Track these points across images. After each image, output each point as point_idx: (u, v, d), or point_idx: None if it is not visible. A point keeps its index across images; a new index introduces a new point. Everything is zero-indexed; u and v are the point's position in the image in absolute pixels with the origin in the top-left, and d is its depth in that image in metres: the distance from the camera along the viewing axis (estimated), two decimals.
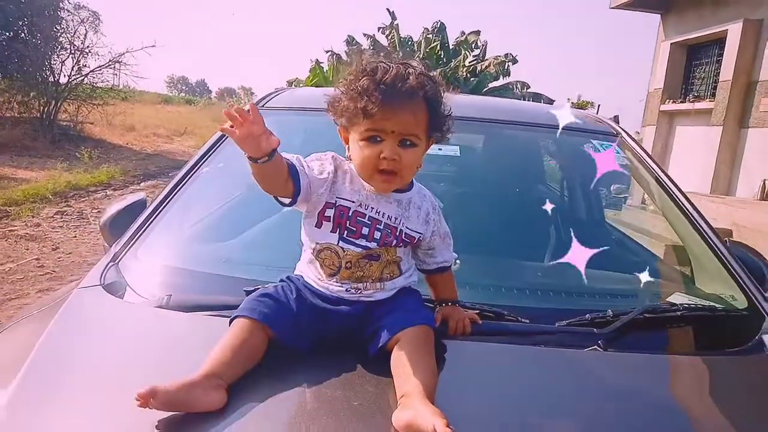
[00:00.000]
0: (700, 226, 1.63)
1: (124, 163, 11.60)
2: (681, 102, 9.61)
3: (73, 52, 13.74)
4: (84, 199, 8.31)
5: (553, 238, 1.78)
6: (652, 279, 1.61)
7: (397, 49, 16.65)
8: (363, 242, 1.07)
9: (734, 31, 8.09)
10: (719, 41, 8.66)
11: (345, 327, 1.05)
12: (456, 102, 1.17)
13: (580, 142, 1.94)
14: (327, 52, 16.77)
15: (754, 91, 8.00)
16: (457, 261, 1.35)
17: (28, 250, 5.55)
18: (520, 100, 13.65)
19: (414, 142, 1.05)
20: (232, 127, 0.96)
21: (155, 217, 1.52)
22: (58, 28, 13.75)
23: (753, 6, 8.01)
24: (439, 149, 1.83)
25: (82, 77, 13.87)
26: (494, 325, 1.15)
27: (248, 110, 0.96)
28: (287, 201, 1.07)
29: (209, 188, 1.72)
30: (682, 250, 1.71)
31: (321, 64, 16.96)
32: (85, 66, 13.99)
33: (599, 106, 17.65)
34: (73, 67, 13.71)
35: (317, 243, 1.08)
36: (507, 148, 2.01)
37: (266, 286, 1.11)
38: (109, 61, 14.22)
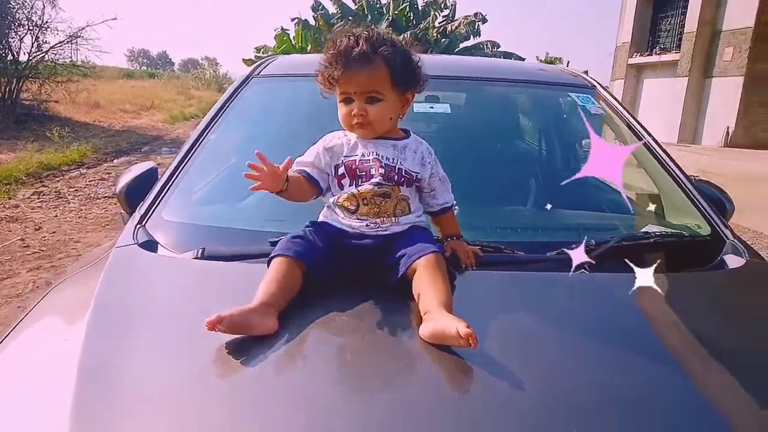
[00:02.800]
0: (670, 168, 1.81)
1: (94, 141, 11.41)
2: (648, 55, 9.84)
3: (31, 28, 13.28)
4: (59, 178, 8.22)
5: (540, 185, 1.95)
6: (627, 215, 1.80)
7: (365, 12, 16.47)
8: (371, 180, 1.24)
9: None
10: None
11: (367, 259, 1.21)
12: (439, 61, 1.33)
13: (559, 95, 2.09)
14: (293, 20, 16.50)
15: (718, 40, 8.24)
16: (456, 207, 1.51)
17: (11, 231, 5.55)
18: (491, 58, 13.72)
19: (378, 97, 1.24)
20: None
21: (173, 182, 1.63)
22: (14, 3, 13.23)
23: None
24: (431, 107, 1.97)
25: (42, 54, 13.45)
26: (495, 256, 1.32)
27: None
28: (317, 197, 1.29)
29: (218, 152, 1.83)
30: (653, 189, 1.89)
31: (287, 31, 16.71)
32: (45, 42, 13.56)
33: (568, 62, 17.82)
34: (33, 44, 13.28)
35: (338, 196, 1.25)
36: (491, 103, 2.15)
37: (295, 231, 1.25)
38: (69, 36, 13.80)
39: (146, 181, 1.79)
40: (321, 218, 1.29)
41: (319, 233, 1.22)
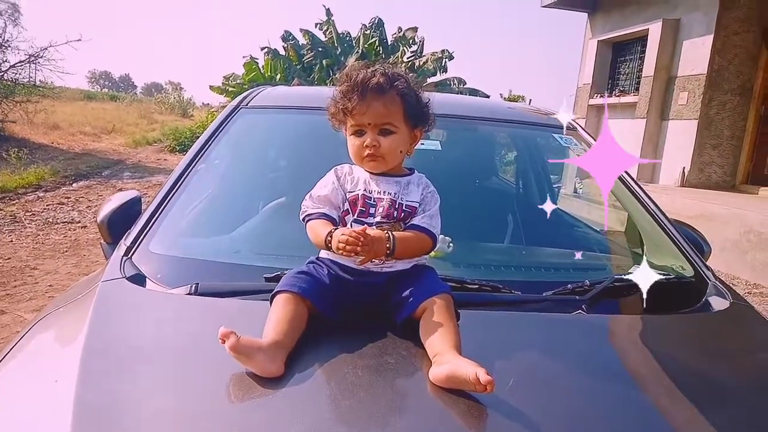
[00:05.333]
0: (651, 209, 1.87)
1: (53, 164, 11.06)
2: (608, 96, 10.22)
3: None
4: (14, 201, 7.90)
5: (527, 224, 1.98)
6: (613, 255, 1.84)
7: (335, 44, 16.67)
8: (371, 219, 1.23)
9: (655, 30, 8.71)
10: (642, 39, 9.29)
11: (371, 297, 1.19)
12: (436, 100, 1.35)
13: (543, 135, 2.15)
14: (263, 49, 16.55)
15: (673, 85, 8.65)
16: (451, 245, 1.51)
17: None
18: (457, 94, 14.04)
19: (391, 129, 1.24)
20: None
21: (161, 212, 1.59)
22: None
23: (671, 7, 8.65)
24: (422, 143, 1.99)
25: (2, 73, 13.06)
26: (493, 296, 1.32)
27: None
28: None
29: (206, 183, 1.80)
30: (635, 229, 1.94)
31: (256, 60, 16.73)
32: (5, 61, 13.19)
33: (530, 100, 18.38)
34: None
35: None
36: (479, 142, 2.19)
37: (299, 267, 1.23)
38: (30, 56, 13.46)
39: (129, 210, 1.74)
40: (323, 254, 1.26)
41: (323, 270, 1.20)
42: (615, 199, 2.09)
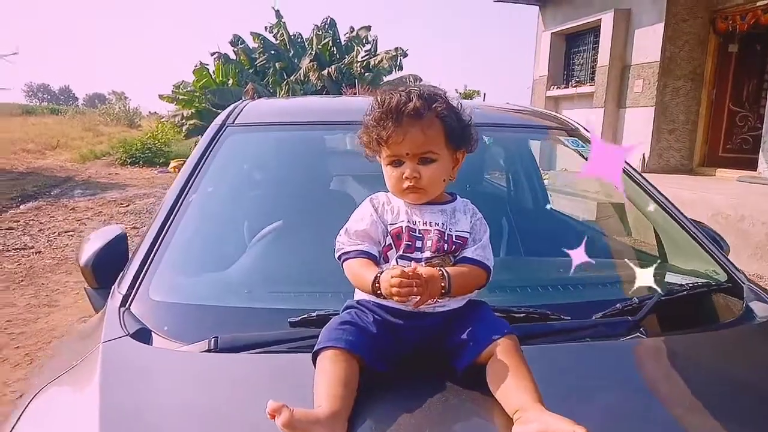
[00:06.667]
0: (670, 210, 1.80)
1: None
2: (565, 87, 10.37)
3: None
4: None
5: (533, 234, 1.89)
6: (640, 261, 1.76)
7: (288, 47, 16.37)
8: (418, 255, 1.09)
9: (607, 21, 8.85)
10: (594, 29, 9.44)
11: (425, 342, 1.06)
12: None
13: (546, 138, 2.06)
14: (213, 54, 16.08)
15: (628, 74, 8.82)
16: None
17: None
18: None
19: (432, 158, 1.12)
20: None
21: (156, 251, 1.41)
22: None
23: None
24: None
25: None
26: (545, 326, 1.20)
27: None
28: None
29: (201, 214, 1.62)
30: (653, 231, 1.87)
31: (206, 66, 16.26)
32: None
33: (485, 94, 18.53)
34: None
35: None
36: (497, 149, 2.09)
37: (339, 314, 1.09)
38: None
39: (115, 249, 1.56)
40: (362, 295, 1.11)
41: (367, 316, 1.06)
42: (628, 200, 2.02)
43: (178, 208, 1.54)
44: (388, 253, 1.11)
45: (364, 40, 16.32)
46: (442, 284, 1.01)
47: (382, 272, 1.01)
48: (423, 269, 1.00)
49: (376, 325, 1.04)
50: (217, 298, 1.35)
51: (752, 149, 7.83)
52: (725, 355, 1.23)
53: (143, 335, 1.17)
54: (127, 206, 9.01)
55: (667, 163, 8.60)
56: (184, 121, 15.79)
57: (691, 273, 1.61)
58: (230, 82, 15.69)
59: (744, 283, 1.54)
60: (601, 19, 9.00)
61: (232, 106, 2.04)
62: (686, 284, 1.41)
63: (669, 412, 0.98)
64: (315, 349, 0.99)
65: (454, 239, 1.11)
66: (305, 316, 1.17)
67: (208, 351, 1.10)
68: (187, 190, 1.60)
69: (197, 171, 1.67)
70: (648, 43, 8.41)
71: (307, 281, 1.47)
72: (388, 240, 1.11)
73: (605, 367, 1.13)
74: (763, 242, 5.23)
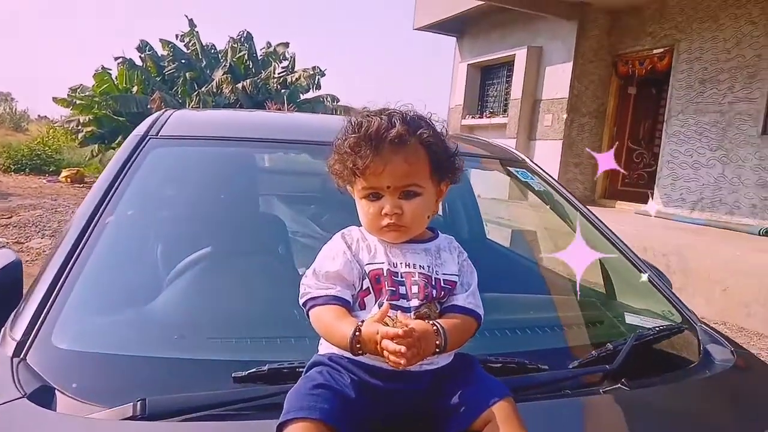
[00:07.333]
0: (619, 245, 1.78)
1: None
2: (479, 117, 10.70)
3: None
4: None
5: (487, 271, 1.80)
6: (596, 300, 1.71)
7: (200, 56, 15.73)
8: (405, 303, 0.93)
9: (520, 57, 9.27)
10: (508, 64, 9.84)
11: (410, 406, 0.91)
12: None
13: (497, 169, 2.00)
14: (117, 59, 15.10)
15: (539, 108, 9.26)
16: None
17: None
18: (330, 113, 13.93)
19: (416, 191, 0.97)
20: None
21: (60, 286, 1.15)
22: None
23: (533, 35, 9.29)
24: None
25: None
26: (520, 380, 1.08)
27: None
28: None
29: (119, 240, 1.37)
30: (600, 269, 1.84)
31: (109, 71, 15.23)
32: None
33: None
34: None
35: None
36: None
37: (304, 370, 0.90)
38: None
39: (5, 280, 1.28)
40: (332, 349, 0.93)
41: (343, 376, 0.88)
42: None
43: (90, 232, 1.28)
44: (365, 299, 0.94)
45: (281, 56, 16.04)
46: (437, 342, 0.86)
47: (362, 323, 0.85)
48: (414, 323, 0.84)
49: (353, 388, 0.87)
50: (141, 347, 1.11)
51: (646, 184, 8.44)
52: (706, 404, 1.18)
53: (45, 396, 0.92)
54: (9, 218, 8.10)
55: (572, 194, 9.06)
56: (80, 127, 14.64)
57: (646, 313, 1.58)
58: (135, 89, 14.78)
59: (696, 324, 1.53)
60: (515, 54, 9.41)
61: (154, 115, 1.80)
62: (653, 327, 1.37)
63: None
64: (281, 421, 0.81)
65: (442, 284, 0.96)
66: (254, 370, 0.98)
67: (133, 418, 0.88)
68: (101, 211, 1.35)
69: (113, 189, 1.42)
70: (557, 80, 8.88)
71: (244, 320, 1.28)
72: (366, 283, 0.94)
73: (596, 426, 1.03)
74: (666, 272, 5.57)
